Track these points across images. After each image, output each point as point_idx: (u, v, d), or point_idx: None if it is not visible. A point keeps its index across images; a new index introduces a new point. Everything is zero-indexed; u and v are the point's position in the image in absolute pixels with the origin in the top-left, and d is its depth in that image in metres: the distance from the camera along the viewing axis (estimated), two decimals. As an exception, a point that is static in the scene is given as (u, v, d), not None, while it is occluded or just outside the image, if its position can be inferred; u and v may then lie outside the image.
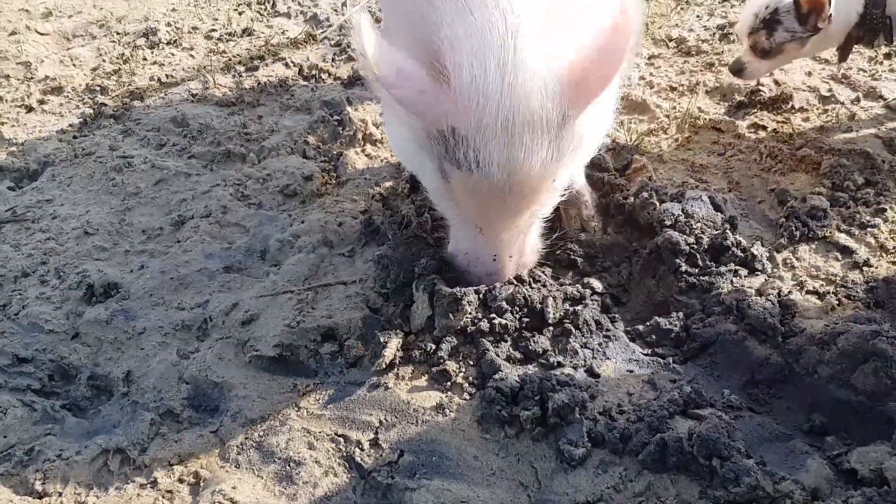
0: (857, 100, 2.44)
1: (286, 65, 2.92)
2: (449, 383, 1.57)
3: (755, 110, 2.43)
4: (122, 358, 1.73)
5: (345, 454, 1.45)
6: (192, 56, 3.03)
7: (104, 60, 3.02)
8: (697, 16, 3.02)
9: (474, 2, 1.33)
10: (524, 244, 1.66)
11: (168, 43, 3.12)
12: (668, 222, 1.85)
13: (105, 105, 2.72)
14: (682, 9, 3.06)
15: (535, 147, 1.35)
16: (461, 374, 1.57)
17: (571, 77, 1.32)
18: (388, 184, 2.25)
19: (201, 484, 1.43)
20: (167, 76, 2.89)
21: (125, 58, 3.02)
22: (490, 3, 1.33)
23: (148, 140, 2.50)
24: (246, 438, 1.50)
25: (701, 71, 2.66)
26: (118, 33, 3.20)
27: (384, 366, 1.60)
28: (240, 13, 3.33)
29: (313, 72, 2.86)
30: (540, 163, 1.37)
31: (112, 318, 1.81)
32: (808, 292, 1.73)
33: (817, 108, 2.42)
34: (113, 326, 1.80)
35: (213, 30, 3.20)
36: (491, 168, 1.36)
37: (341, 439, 1.48)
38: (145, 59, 3.03)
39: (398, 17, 1.46)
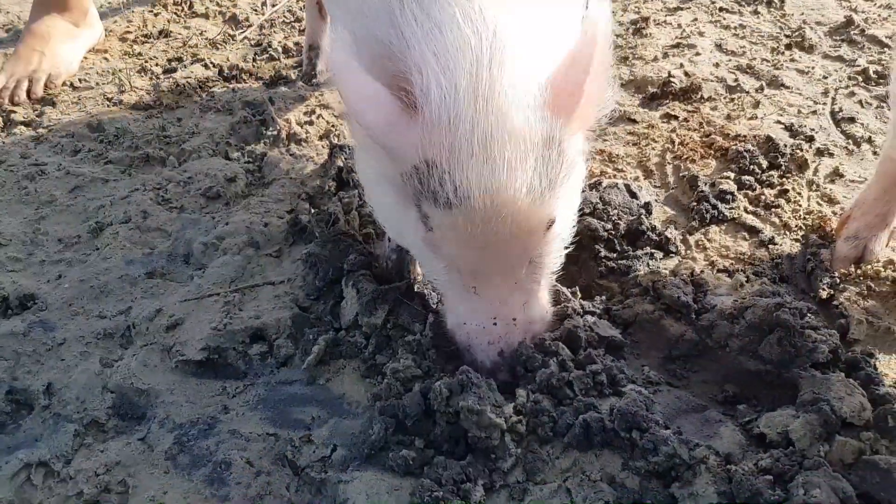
0: (761, 88, 2.57)
1: (205, 66, 2.86)
2: (380, 377, 1.58)
3: (667, 101, 2.52)
4: (41, 370, 1.67)
5: (277, 453, 1.45)
6: (106, 59, 2.95)
7: (11, 65, 2.89)
8: (612, 11, 3.12)
9: (443, 21, 1.23)
10: (530, 308, 1.45)
11: (80, 46, 3.01)
12: (587, 210, 1.92)
13: (14, 112, 2.61)
14: (596, 5, 3.15)
15: (518, 165, 1.21)
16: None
17: (550, 93, 1.23)
18: (314, 182, 2.24)
19: (129, 492, 1.40)
20: (80, 80, 2.80)
21: (34, 62, 2.90)
22: (461, 21, 1.22)
23: (62, 146, 2.42)
24: (174, 443, 1.48)
25: (616, 65, 2.75)
26: (25, 37, 3.07)
27: (314, 363, 1.61)
28: (155, 14, 3.24)
29: (234, 72, 2.81)
30: (527, 186, 1.23)
31: (29, 331, 1.75)
32: (718, 271, 1.82)
33: (724, 98, 2.54)
34: (31, 339, 1.73)
35: (128, 31, 3.12)
36: (472, 192, 1.21)
37: (273, 438, 1.48)
38: (56, 63, 2.91)
39: (363, 40, 1.32)
